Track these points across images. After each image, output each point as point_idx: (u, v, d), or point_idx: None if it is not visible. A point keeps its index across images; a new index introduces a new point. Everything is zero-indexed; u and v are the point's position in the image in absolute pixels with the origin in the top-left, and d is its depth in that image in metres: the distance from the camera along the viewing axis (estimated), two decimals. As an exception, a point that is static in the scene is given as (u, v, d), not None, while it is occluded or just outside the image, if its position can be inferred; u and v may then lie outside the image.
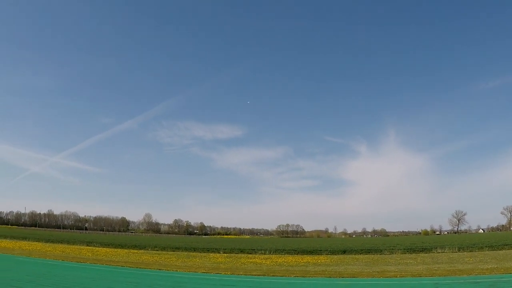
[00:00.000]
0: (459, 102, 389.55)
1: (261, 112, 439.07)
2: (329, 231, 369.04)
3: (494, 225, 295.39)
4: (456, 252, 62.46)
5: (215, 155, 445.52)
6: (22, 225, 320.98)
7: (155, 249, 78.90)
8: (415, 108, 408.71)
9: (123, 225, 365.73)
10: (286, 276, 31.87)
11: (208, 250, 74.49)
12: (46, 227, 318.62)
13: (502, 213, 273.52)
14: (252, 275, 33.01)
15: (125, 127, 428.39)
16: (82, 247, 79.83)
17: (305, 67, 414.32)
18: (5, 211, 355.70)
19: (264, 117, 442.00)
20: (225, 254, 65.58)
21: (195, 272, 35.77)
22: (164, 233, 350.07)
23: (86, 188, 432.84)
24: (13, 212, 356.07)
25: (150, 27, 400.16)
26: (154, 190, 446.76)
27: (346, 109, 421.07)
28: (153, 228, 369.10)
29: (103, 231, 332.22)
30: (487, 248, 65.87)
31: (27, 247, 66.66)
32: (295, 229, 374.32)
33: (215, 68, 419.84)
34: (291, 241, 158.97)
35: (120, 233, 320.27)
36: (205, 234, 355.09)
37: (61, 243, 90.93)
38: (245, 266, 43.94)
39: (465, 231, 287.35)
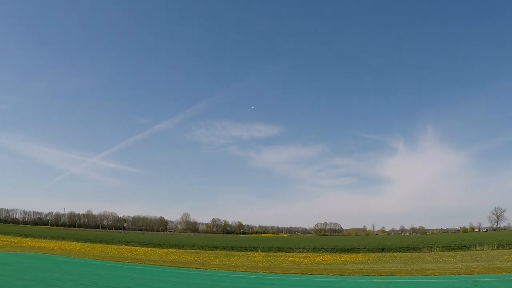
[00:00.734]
0: (497, 98, 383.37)
1: (298, 110, 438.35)
2: (367, 229, 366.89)
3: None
4: (496, 249, 61.54)
5: (252, 154, 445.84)
6: (61, 226, 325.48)
7: (193, 248, 79.28)
8: (453, 104, 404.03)
9: (161, 225, 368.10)
10: (324, 274, 31.75)
11: (246, 249, 74.63)
12: (85, 227, 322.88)
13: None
14: (290, 273, 32.95)
15: (162, 128, 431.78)
16: (121, 246, 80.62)
17: (341, 64, 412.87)
18: (44, 212, 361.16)
19: (301, 115, 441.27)
20: (263, 253, 65.62)
21: (233, 271, 35.81)
22: (202, 232, 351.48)
23: (125, 188, 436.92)
24: (52, 212, 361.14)
25: (186, 26, 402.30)
26: (192, 190, 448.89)
27: (383, 105, 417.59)
28: (191, 227, 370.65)
29: (142, 230, 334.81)
30: (528, 246, 64.67)
31: (66, 247, 67.49)
32: (333, 227, 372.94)
33: (251, 67, 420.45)
34: (329, 240, 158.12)
35: (158, 232, 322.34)
36: (243, 233, 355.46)
37: (100, 243, 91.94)
38: (283, 264, 43.91)
39: (505, 228, 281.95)
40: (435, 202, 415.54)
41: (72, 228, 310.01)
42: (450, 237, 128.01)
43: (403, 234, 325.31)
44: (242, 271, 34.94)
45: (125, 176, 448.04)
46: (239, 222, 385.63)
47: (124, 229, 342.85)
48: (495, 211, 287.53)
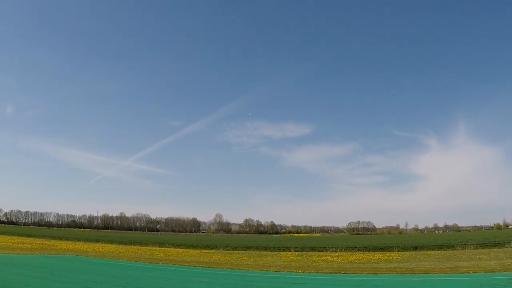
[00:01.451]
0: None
1: (329, 108, 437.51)
2: (400, 227, 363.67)
3: None
4: (531, 246, 60.85)
5: (284, 154, 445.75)
6: (95, 228, 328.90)
7: (226, 248, 79.51)
8: (485, 99, 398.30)
9: (194, 226, 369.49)
10: (357, 273, 31.66)
11: (279, 249, 74.67)
12: (119, 230, 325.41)
13: None
14: (324, 273, 32.90)
15: (193, 129, 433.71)
16: (155, 248, 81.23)
17: (372, 61, 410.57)
18: (78, 215, 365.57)
19: (333, 114, 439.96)
20: (296, 253, 65.61)
21: (267, 271, 35.88)
22: (235, 233, 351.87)
23: (157, 190, 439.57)
24: (86, 215, 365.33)
25: (217, 27, 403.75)
26: (224, 190, 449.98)
27: (415, 102, 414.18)
28: (224, 228, 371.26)
29: (175, 232, 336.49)
30: None
31: (100, 249, 68.15)
32: (365, 226, 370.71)
33: (282, 66, 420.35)
34: (362, 238, 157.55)
35: (191, 233, 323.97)
36: (275, 233, 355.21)
37: (134, 244, 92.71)
38: (316, 264, 43.87)
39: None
40: (469, 199, 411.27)
41: (106, 230, 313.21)
42: (484, 234, 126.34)
43: (436, 232, 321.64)
44: (276, 271, 34.99)
45: (158, 178, 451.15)
46: (271, 222, 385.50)
47: (157, 230, 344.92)
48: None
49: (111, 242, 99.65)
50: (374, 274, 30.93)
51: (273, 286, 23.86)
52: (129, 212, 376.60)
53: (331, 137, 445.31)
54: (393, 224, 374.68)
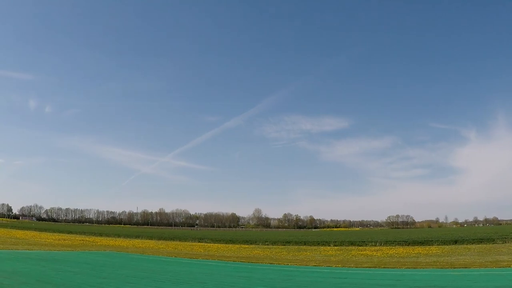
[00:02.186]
0: None
1: (367, 101, 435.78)
2: (440, 220, 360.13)
3: None
4: None
5: (322, 148, 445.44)
6: (134, 224, 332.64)
7: (266, 243, 79.68)
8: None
9: (233, 221, 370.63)
10: (397, 267, 31.59)
11: (318, 243, 74.66)
12: (158, 225, 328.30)
13: None
14: (363, 267, 32.91)
15: (231, 125, 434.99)
16: (194, 243, 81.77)
17: (408, 52, 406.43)
18: (118, 211, 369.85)
19: (371, 107, 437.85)
20: (335, 247, 65.54)
21: (306, 265, 36.00)
22: (274, 228, 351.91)
23: (196, 186, 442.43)
24: (125, 212, 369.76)
25: (253, 22, 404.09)
26: (263, 185, 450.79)
27: (454, 94, 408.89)
28: (263, 223, 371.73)
29: (214, 227, 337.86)
30: None
31: (140, 245, 68.86)
32: (405, 219, 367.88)
33: (318, 60, 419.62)
34: (401, 232, 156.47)
35: (230, 228, 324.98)
36: (314, 228, 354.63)
37: (173, 240, 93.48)
38: (356, 258, 43.86)
39: None
40: (509, 192, 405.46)
41: (145, 226, 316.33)
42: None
43: (476, 225, 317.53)
44: (315, 266, 35.09)
45: (196, 174, 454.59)
46: (310, 216, 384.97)
47: (197, 226, 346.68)
48: None
49: (150, 238, 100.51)
50: (413, 268, 30.84)
51: (313, 281, 23.97)
52: (169, 208, 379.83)
53: (369, 131, 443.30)
54: (432, 217, 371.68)
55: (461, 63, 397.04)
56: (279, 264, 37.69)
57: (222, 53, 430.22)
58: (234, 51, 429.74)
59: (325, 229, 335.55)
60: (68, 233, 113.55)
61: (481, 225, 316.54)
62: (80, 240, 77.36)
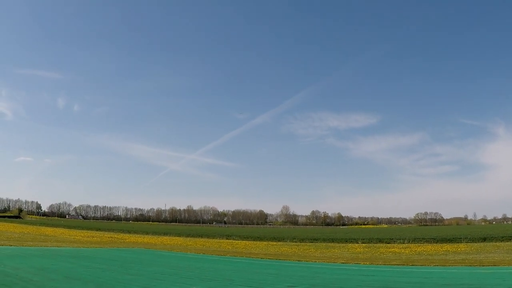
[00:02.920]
0: None
1: (395, 98, 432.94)
2: (468, 218, 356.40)
3: None
4: None
5: (350, 145, 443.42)
6: (162, 221, 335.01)
7: (294, 240, 79.76)
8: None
9: (261, 218, 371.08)
10: (425, 265, 31.47)
11: (346, 241, 74.60)
12: (186, 222, 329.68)
13: None
14: (391, 264, 32.91)
15: (259, 122, 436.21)
16: (222, 240, 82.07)
17: (437, 49, 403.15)
18: (146, 209, 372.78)
19: (399, 103, 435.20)
20: (363, 244, 65.41)
21: (334, 262, 36.05)
22: (302, 225, 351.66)
23: (224, 183, 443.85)
24: (153, 209, 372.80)
25: (281, 19, 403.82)
26: (291, 182, 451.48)
27: (482, 90, 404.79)
28: (291, 220, 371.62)
29: (242, 224, 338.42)
30: None
31: (168, 242, 69.33)
32: (433, 217, 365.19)
33: (346, 56, 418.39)
34: (429, 230, 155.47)
35: (258, 226, 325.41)
36: (342, 225, 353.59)
37: (201, 237, 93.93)
38: (384, 255, 43.79)
39: None
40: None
41: (173, 223, 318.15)
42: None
43: (505, 222, 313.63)
44: (343, 263, 35.13)
45: (224, 171, 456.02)
46: (338, 213, 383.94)
47: (225, 223, 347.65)
48: None
49: (179, 235, 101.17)
50: (442, 266, 30.71)
51: (341, 278, 24.02)
52: (197, 205, 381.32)
53: (397, 127, 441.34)
54: (461, 214, 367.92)
55: (491, 58, 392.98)
56: (307, 261, 37.77)
57: (250, 50, 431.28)
58: (262, 48, 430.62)
59: (353, 226, 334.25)
60: (97, 230, 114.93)
61: (510, 222, 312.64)
62: (108, 237, 78.19)
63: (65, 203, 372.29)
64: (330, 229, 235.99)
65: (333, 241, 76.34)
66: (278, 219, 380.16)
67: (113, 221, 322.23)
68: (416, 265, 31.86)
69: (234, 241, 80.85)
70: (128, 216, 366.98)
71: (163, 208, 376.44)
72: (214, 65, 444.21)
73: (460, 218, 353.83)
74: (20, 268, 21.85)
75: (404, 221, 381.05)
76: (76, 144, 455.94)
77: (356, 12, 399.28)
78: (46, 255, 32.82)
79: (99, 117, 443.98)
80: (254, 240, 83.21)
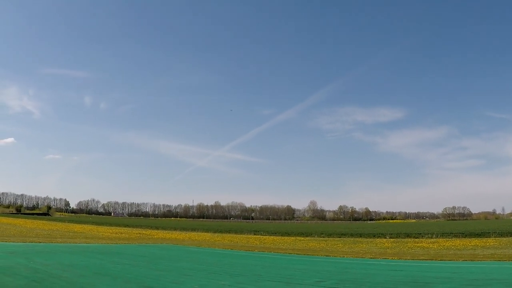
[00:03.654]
0: None
1: (421, 91, 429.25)
2: (497, 212, 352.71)
3: None
4: None
5: (377, 139, 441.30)
6: (190, 217, 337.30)
7: (321, 236, 79.67)
8: None
9: (289, 213, 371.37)
10: (454, 260, 31.35)
11: (374, 236, 74.32)
12: (214, 218, 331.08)
13: None
14: (419, 259, 32.77)
15: (285, 117, 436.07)
16: (250, 236, 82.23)
17: (464, 41, 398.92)
18: (174, 205, 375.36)
19: (425, 97, 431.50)
20: (391, 239, 65.16)
21: (362, 257, 35.99)
22: (329, 220, 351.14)
23: (251, 178, 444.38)
24: (181, 205, 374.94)
25: (306, 13, 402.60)
26: (318, 177, 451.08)
27: (510, 83, 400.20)
28: (318, 215, 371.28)
29: (269, 220, 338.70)
30: None
31: (196, 238, 69.61)
32: (461, 211, 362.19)
33: (372, 50, 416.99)
34: (457, 224, 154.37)
35: (285, 221, 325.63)
36: (370, 220, 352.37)
37: (229, 233, 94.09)
38: (412, 250, 43.61)
39: None
40: None
41: (201, 219, 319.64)
42: None
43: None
44: (371, 258, 35.06)
45: (251, 167, 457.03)
46: (366, 208, 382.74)
47: (252, 218, 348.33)
48: None
49: (206, 231, 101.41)
50: (471, 260, 30.57)
51: (369, 273, 24.03)
52: (224, 201, 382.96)
53: (424, 121, 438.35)
54: (489, 209, 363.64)
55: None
56: (335, 256, 37.82)
57: (276, 45, 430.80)
58: (288, 43, 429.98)
59: (380, 221, 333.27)
60: (125, 227, 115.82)
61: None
62: (137, 234, 78.80)
63: (93, 200, 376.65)
64: (357, 224, 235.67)
65: (360, 236, 76.09)
66: (306, 214, 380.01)
67: (141, 217, 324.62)
68: (445, 260, 31.75)
69: (262, 236, 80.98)
70: (156, 212, 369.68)
71: (190, 204, 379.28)
72: (241, 61, 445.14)
73: (488, 213, 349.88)
74: (49, 265, 22.19)
75: (432, 216, 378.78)
76: (103, 141, 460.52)
77: (382, 6, 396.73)
78: (75, 252, 33.23)
79: (126, 115, 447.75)
80: (281, 236, 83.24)
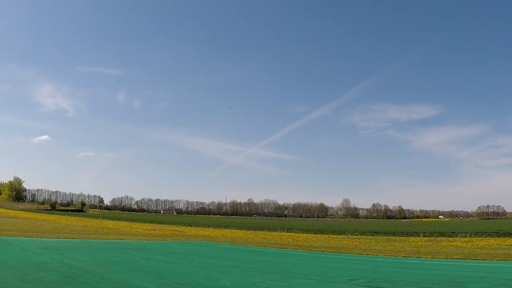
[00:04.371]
0: None
1: (456, 88, 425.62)
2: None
3: None
4: None
5: (411, 136, 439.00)
6: (223, 214, 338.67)
7: (354, 234, 79.41)
8: None
9: (322, 211, 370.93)
10: (488, 259, 31.08)
11: (407, 234, 73.94)
12: (247, 215, 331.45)
13: None
14: (453, 258, 32.58)
15: (318, 114, 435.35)
16: (283, 233, 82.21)
17: (498, 38, 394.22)
18: (207, 202, 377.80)
19: (460, 94, 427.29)
20: (425, 238, 64.74)
21: (395, 256, 35.95)
22: (363, 218, 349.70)
23: (284, 176, 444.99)
24: (214, 202, 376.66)
25: (341, 9, 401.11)
26: (351, 175, 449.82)
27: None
28: (351, 213, 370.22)
29: (302, 217, 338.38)
30: None
31: (229, 235, 69.89)
32: (495, 210, 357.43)
33: (405, 47, 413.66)
34: (491, 223, 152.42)
35: (319, 219, 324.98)
36: (403, 218, 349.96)
37: (262, 230, 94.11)
38: (446, 249, 43.33)
39: None
40: None
41: (234, 216, 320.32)
42: None
43: None
44: (404, 257, 35.01)
45: (284, 164, 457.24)
46: (399, 206, 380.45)
47: (285, 216, 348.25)
48: None
49: (239, 228, 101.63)
50: (505, 260, 30.33)
51: (403, 272, 24.03)
52: (257, 198, 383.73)
53: (459, 118, 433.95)
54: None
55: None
56: (368, 254, 37.74)
57: (311, 43, 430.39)
58: (321, 40, 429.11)
59: (414, 219, 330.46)
60: (159, 223, 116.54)
61: None
62: (170, 230, 79.30)
63: (127, 197, 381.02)
64: (391, 222, 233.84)
65: (394, 234, 75.70)
66: (339, 212, 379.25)
67: (174, 214, 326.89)
68: (479, 259, 31.52)
69: (295, 234, 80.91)
70: (189, 209, 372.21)
71: (223, 201, 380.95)
72: (275, 59, 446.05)
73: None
74: (83, 260, 22.62)
75: (466, 214, 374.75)
76: (137, 138, 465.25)
77: (416, 2, 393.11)
78: (109, 248, 33.74)
79: (160, 112, 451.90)
80: (314, 233, 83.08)
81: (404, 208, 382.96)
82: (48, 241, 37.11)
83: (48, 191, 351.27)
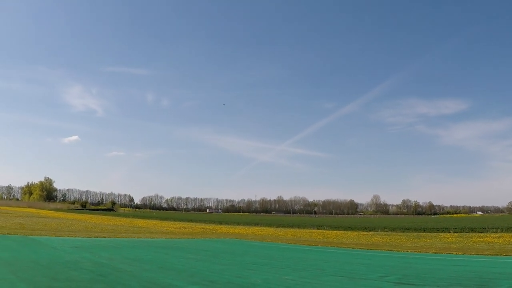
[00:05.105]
0: None
1: (485, 83, 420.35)
2: None
3: None
4: None
5: (440, 132, 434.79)
6: (253, 212, 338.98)
7: (384, 230, 79.15)
8: None
9: (352, 208, 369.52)
10: (519, 255, 30.98)
11: (437, 230, 73.49)
12: (277, 213, 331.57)
13: None
14: (484, 254, 32.41)
15: (347, 111, 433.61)
16: (313, 230, 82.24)
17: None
18: (237, 199, 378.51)
19: (489, 88, 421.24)
20: (455, 234, 64.28)
21: (426, 252, 35.77)
22: (393, 214, 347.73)
23: (313, 173, 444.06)
24: (244, 200, 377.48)
25: (368, 4, 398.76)
26: (381, 171, 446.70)
27: None
28: (381, 209, 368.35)
29: (332, 214, 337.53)
30: None
31: (259, 232, 69.99)
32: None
33: (434, 41, 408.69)
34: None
35: (348, 215, 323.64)
36: (434, 214, 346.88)
37: (292, 227, 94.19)
38: (477, 245, 43.03)
39: None
40: None
41: (264, 214, 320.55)
42: None
43: None
44: (435, 253, 34.84)
45: (314, 161, 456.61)
46: (429, 202, 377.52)
47: (315, 213, 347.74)
48: None
49: (269, 225, 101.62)
50: (538, 256, 30.19)
51: (433, 268, 23.94)
52: (287, 196, 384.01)
53: (488, 113, 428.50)
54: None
55: None
56: (398, 251, 37.71)
57: (338, 39, 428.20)
58: (348, 35, 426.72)
59: (444, 215, 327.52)
60: (189, 222, 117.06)
61: None
62: (200, 228, 79.73)
63: (157, 195, 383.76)
64: (421, 218, 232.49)
65: (424, 230, 75.27)
66: (369, 208, 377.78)
67: (204, 212, 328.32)
68: (510, 255, 31.33)
69: (324, 231, 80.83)
70: (219, 207, 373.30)
71: (253, 199, 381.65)
72: (301, 55, 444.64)
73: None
74: (114, 259, 23.00)
75: (497, 210, 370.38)
76: (166, 138, 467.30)
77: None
78: (139, 246, 34.14)
79: (188, 111, 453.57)
80: (344, 230, 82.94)
81: (434, 204, 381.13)
82: (79, 240, 37.77)
83: (79, 190, 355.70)
